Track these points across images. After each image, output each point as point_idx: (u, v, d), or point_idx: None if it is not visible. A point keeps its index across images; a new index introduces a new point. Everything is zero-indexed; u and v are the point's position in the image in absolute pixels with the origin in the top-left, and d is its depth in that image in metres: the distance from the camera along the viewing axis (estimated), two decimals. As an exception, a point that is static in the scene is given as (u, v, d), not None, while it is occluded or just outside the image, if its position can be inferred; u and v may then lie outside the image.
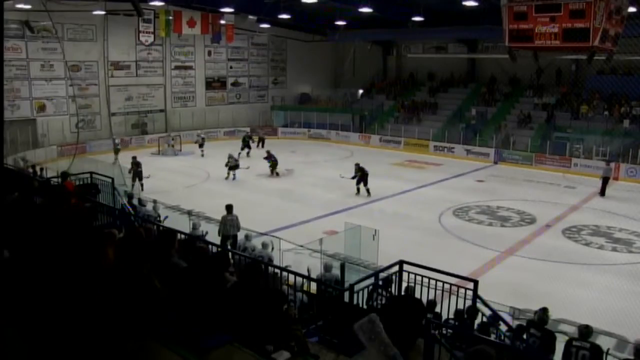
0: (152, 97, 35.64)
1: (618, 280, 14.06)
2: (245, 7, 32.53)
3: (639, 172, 26.35)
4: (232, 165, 24.64)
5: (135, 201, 15.51)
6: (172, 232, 9.81)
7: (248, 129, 35.83)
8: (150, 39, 31.15)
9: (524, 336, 7.81)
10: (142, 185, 21.22)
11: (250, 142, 31.29)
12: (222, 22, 33.06)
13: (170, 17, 30.74)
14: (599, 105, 31.68)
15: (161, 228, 10.79)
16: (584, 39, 13.09)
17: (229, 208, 14.24)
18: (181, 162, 29.45)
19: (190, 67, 37.49)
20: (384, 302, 8.20)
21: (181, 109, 37.08)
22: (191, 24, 31.67)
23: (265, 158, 26.01)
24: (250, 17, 35.12)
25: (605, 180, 23.41)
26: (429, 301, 8.00)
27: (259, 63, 41.22)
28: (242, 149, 29.73)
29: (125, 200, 14.77)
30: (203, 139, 31.70)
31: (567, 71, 32.61)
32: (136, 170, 21.40)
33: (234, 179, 24.40)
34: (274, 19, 35.23)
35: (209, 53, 38.16)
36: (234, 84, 40.18)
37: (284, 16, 33.53)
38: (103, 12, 29.47)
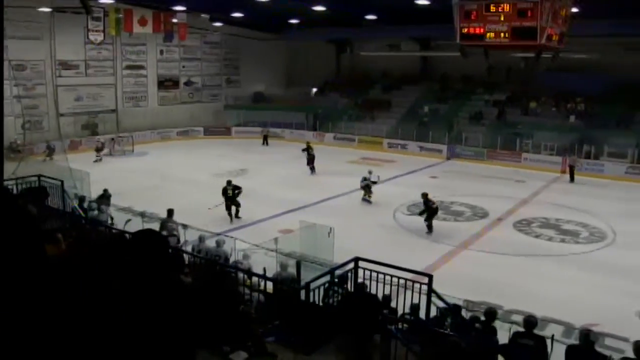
0: (102, 97, 34.83)
1: (567, 270, 14.53)
2: (198, 5, 32.13)
3: (585, 165, 27.12)
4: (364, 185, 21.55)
5: (86, 204, 15.19)
6: (123, 236, 9.67)
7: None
8: (100, 38, 30.46)
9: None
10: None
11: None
12: (175, 20, 32.55)
13: (121, 16, 30.10)
14: (547, 101, 32.61)
15: (113, 231, 10.61)
16: (531, 38, 13.47)
17: (170, 212, 14.10)
18: (133, 163, 28.92)
19: (142, 67, 36.84)
20: (340, 299, 8.22)
21: (133, 109, 36.40)
22: (142, 22, 31.09)
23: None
24: (203, 15, 34.75)
25: (571, 169, 26.13)
26: (384, 296, 8.07)
27: (212, 62, 40.82)
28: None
29: (76, 204, 14.44)
30: (103, 143, 30.58)
31: (517, 68, 33.36)
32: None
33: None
34: (227, 18, 34.97)
35: (161, 52, 37.59)
36: (187, 84, 39.68)
37: (237, 14, 33.34)
38: (49, 9, 28.67)
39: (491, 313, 7.97)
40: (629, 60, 29.57)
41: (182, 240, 13.17)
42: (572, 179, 25.97)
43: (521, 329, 7.30)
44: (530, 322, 7.26)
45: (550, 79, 31.45)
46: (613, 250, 16.24)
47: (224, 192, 18.69)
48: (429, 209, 17.24)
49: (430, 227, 17.40)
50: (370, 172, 21.46)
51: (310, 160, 26.30)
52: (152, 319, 5.30)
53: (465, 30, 14.29)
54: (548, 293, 12.79)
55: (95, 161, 27.56)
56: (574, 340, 7.99)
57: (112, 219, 14.78)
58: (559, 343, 6.99)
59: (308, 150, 26.65)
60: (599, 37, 27.98)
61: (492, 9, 13.76)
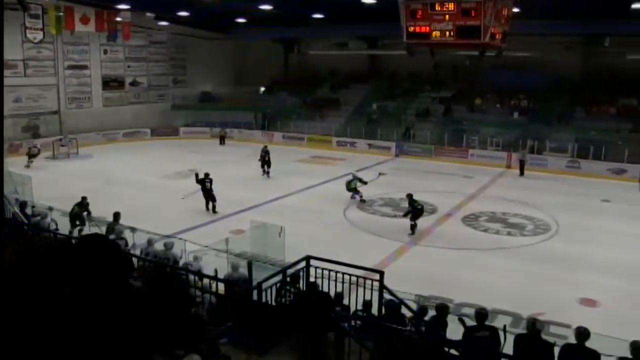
0: (43, 99, 33.78)
1: (514, 262, 14.91)
2: (142, 4, 31.50)
3: (529, 160, 27.85)
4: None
5: (28, 210, 14.71)
6: (68, 242, 9.40)
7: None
8: (39, 36, 29.45)
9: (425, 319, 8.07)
10: None
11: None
12: (118, 19, 31.78)
13: (61, 14, 29.21)
14: (492, 98, 33.40)
15: (58, 236, 10.32)
16: (475, 36, 13.75)
17: (116, 216, 13.89)
18: (78, 166, 28.17)
19: (85, 67, 35.88)
20: (292, 298, 8.21)
21: (77, 111, 35.42)
22: (84, 20, 30.24)
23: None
24: (148, 14, 34.12)
25: (522, 163, 27.12)
26: (337, 294, 8.10)
27: (158, 62, 40.12)
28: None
29: (17, 209, 13.96)
30: (39, 149, 28.90)
31: (462, 66, 34.04)
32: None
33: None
34: (173, 17, 34.45)
35: (105, 52, 36.70)
36: (133, 84, 38.89)
37: (183, 13, 32.88)
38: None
39: (442, 308, 8.09)
40: (566, 59, 30.71)
41: (130, 243, 12.89)
42: (522, 173, 26.74)
43: (472, 322, 7.44)
44: (482, 314, 7.43)
45: (494, 76, 32.30)
46: (556, 242, 16.75)
47: (202, 183, 19.32)
48: (415, 210, 17.09)
49: (413, 228, 17.07)
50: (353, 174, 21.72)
51: (266, 164, 25.72)
52: (103, 325, 5.16)
53: (412, 29, 14.47)
54: (497, 285, 13.10)
55: (27, 166, 26.38)
56: (522, 330, 8.20)
57: (56, 224, 14.34)
58: (509, 333, 7.16)
59: (264, 155, 25.99)
60: (538, 36, 28.91)
61: (437, 8, 13.98)
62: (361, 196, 20.88)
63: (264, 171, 25.54)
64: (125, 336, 5.32)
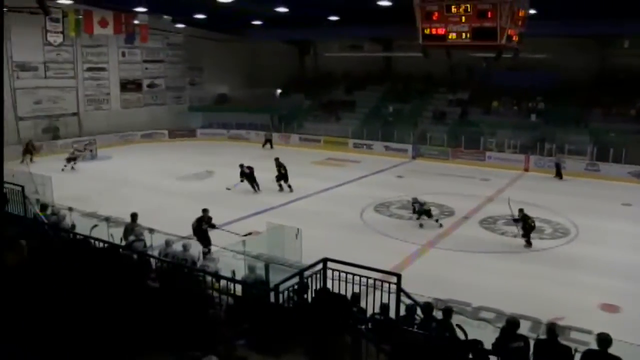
0: (63, 100, 34.12)
1: (532, 266, 14.78)
2: (160, 7, 31.70)
3: (547, 162, 27.70)
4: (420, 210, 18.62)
5: (48, 211, 14.83)
6: (87, 242, 9.50)
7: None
8: (59, 39, 29.84)
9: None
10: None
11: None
12: (136, 22, 32.06)
13: (80, 17, 29.52)
14: (508, 100, 33.17)
15: (77, 237, 10.41)
16: (492, 38, 13.69)
17: (133, 217, 13.90)
18: (96, 167, 28.40)
19: (103, 69, 36.19)
20: (308, 300, 8.20)
21: (95, 112, 35.77)
22: (103, 24, 30.55)
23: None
24: (165, 17, 34.35)
25: (558, 166, 26.87)
26: (353, 295, 8.08)
27: (175, 64, 40.39)
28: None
29: (37, 210, 14.09)
30: (79, 151, 29.41)
31: (478, 68, 33.87)
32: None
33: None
34: (189, 19, 34.63)
35: (123, 54, 37.03)
36: (150, 86, 39.18)
37: (199, 16, 33.04)
38: (5, 9, 27.93)
39: (448, 311, 8.05)
40: (581, 60, 30.46)
41: (148, 244, 12.95)
42: (560, 177, 26.46)
43: (489, 325, 7.38)
44: (514, 323, 7.21)
45: (510, 78, 32.06)
46: (576, 246, 16.60)
47: (242, 174, 22.06)
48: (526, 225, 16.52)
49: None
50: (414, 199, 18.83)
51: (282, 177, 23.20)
52: (118, 324, 5.21)
53: (427, 30, 14.46)
54: (515, 289, 13.00)
55: (63, 170, 26.70)
56: (542, 335, 8.11)
57: (74, 225, 14.46)
58: (529, 338, 7.09)
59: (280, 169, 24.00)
60: (553, 37, 28.67)
61: (453, 10, 13.95)
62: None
63: (280, 186, 22.97)
64: (140, 335, 5.38)
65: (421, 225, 18.19)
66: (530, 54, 25.47)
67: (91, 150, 30.73)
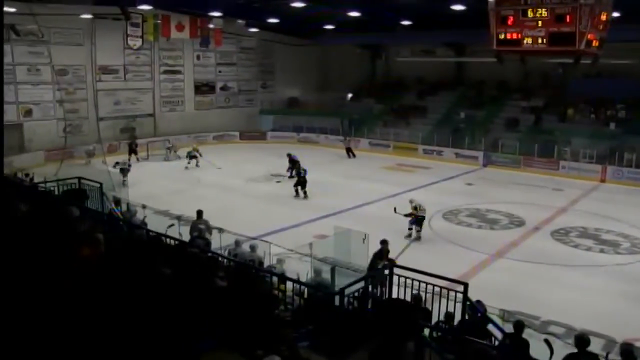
0: (140, 102, 35.48)
1: (607, 282, 14.18)
2: (234, 11, 32.47)
3: (625, 174, 26.54)
4: None
5: (123, 207, 15.43)
6: (159, 239, 9.81)
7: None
8: (139, 43, 30.99)
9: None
10: None
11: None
12: (211, 26, 32.99)
13: (159, 21, 30.65)
14: (585, 108, 31.95)
15: (150, 234, 10.77)
16: (569, 43, 13.24)
17: (199, 213, 14.20)
18: (169, 166, 29.31)
19: (178, 72, 37.37)
20: (374, 305, 8.20)
21: (170, 113, 36.97)
22: (179, 28, 31.60)
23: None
24: (239, 21, 35.08)
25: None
26: (414, 296, 8.01)
27: (247, 67, 41.17)
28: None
29: (113, 206, 14.67)
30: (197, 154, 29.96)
31: (554, 75, 32.84)
32: None
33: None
34: (262, 23, 35.25)
35: (198, 57, 38.08)
36: (223, 88, 40.11)
37: (272, 20, 33.59)
38: (90, 16, 29.33)
39: (520, 326, 7.80)
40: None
41: (218, 244, 13.23)
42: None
43: (557, 340, 7.15)
44: (584, 340, 6.93)
45: (587, 85, 30.88)
46: (655, 262, 15.82)
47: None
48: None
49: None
50: (411, 202, 17.94)
51: (300, 183, 22.72)
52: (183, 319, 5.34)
53: (502, 36, 14.14)
54: (587, 305, 12.52)
55: (187, 167, 28.45)
56: (615, 356, 7.78)
57: (145, 222, 14.97)
58: (601, 357, 6.82)
59: (293, 167, 24.72)
60: (636, 42, 27.29)
61: (530, 14, 13.58)
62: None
63: (297, 192, 22.56)
64: (205, 332, 5.49)
65: (409, 236, 17.29)
66: (611, 59, 24.41)
67: (175, 151, 31.79)
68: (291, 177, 24.24)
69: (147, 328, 5.33)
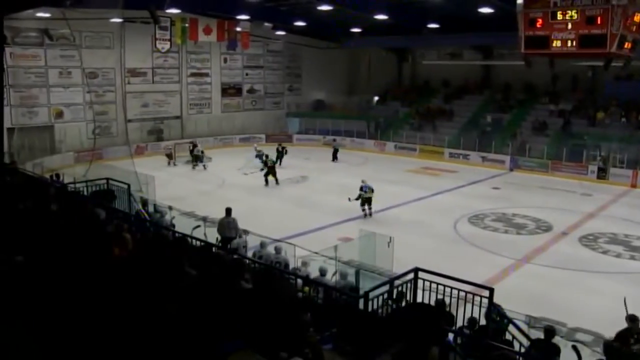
0: (168, 104, 35.88)
1: (636, 289, 13.88)
2: (261, 14, 32.69)
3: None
4: None
5: (150, 208, 15.61)
6: (185, 240, 9.90)
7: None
8: (167, 46, 31.36)
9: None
10: None
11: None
12: (238, 29, 33.21)
13: (186, 25, 30.97)
14: (616, 111, 31.39)
15: (176, 235, 10.87)
16: (600, 45, 12.99)
17: (228, 211, 14.36)
18: (196, 168, 29.56)
19: (206, 74, 37.72)
20: (398, 309, 8.17)
21: (197, 116, 37.31)
22: (207, 31, 31.90)
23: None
24: (266, 24, 35.28)
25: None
26: (437, 301, 7.96)
27: (274, 70, 41.38)
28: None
29: (140, 206, 14.85)
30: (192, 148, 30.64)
31: (583, 77, 32.38)
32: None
33: None
34: (289, 26, 35.39)
35: (225, 60, 38.39)
36: (250, 91, 40.36)
37: (299, 23, 33.71)
38: (120, 20, 29.75)
39: (550, 331, 7.71)
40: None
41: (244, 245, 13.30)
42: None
43: (585, 348, 7.05)
44: (613, 348, 6.90)
45: (618, 87, 30.39)
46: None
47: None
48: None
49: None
50: (363, 181, 20.09)
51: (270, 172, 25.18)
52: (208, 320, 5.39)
53: (530, 38, 13.98)
54: (616, 312, 12.27)
55: (197, 167, 29.36)
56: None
57: (173, 224, 15.11)
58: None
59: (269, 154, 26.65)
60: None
61: (559, 16, 13.39)
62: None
63: (266, 181, 25.12)
64: (225, 333, 5.53)
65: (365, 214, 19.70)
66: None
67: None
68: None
69: (172, 328, 5.40)
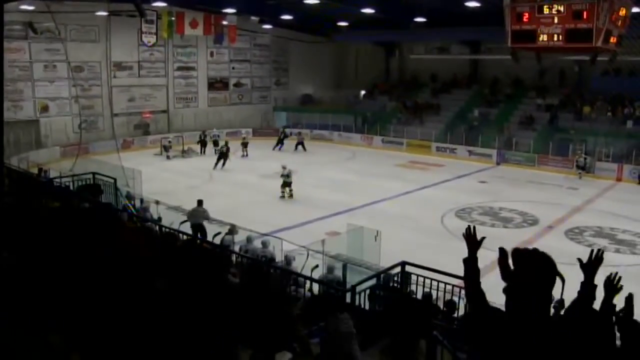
0: (154, 98, 35.64)
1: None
2: (248, 8, 32.54)
3: (642, 173, 26.23)
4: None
5: (136, 202, 15.53)
6: (173, 234, 9.83)
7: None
8: (153, 40, 31.15)
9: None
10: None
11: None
12: (225, 23, 33.08)
13: (173, 18, 30.78)
14: (603, 106, 31.59)
15: (163, 229, 10.80)
16: (587, 40, 13.04)
17: (199, 202, 15.38)
18: (183, 163, 29.44)
19: (192, 68, 37.50)
20: (385, 302, 8.17)
21: (183, 110, 37.10)
22: (194, 25, 31.70)
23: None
24: (253, 18, 35.12)
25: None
26: (424, 294, 7.97)
27: (261, 64, 41.22)
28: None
29: (126, 201, 14.77)
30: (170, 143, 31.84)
31: (570, 72, 32.55)
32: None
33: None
34: (277, 20, 35.27)
35: (212, 54, 38.17)
36: (237, 85, 40.19)
37: (287, 17, 33.59)
38: (106, 13, 29.49)
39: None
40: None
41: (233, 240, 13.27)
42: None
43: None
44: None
45: (605, 82, 30.58)
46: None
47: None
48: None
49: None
50: (284, 168, 21.94)
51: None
52: (199, 317, 5.34)
53: (517, 33, 14.00)
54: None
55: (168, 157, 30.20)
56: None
57: (160, 217, 15.05)
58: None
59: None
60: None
61: (546, 10, 13.42)
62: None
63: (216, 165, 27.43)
64: (218, 328, 5.48)
65: (284, 195, 21.64)
66: (630, 56, 24.11)
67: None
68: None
69: (157, 323, 5.35)
